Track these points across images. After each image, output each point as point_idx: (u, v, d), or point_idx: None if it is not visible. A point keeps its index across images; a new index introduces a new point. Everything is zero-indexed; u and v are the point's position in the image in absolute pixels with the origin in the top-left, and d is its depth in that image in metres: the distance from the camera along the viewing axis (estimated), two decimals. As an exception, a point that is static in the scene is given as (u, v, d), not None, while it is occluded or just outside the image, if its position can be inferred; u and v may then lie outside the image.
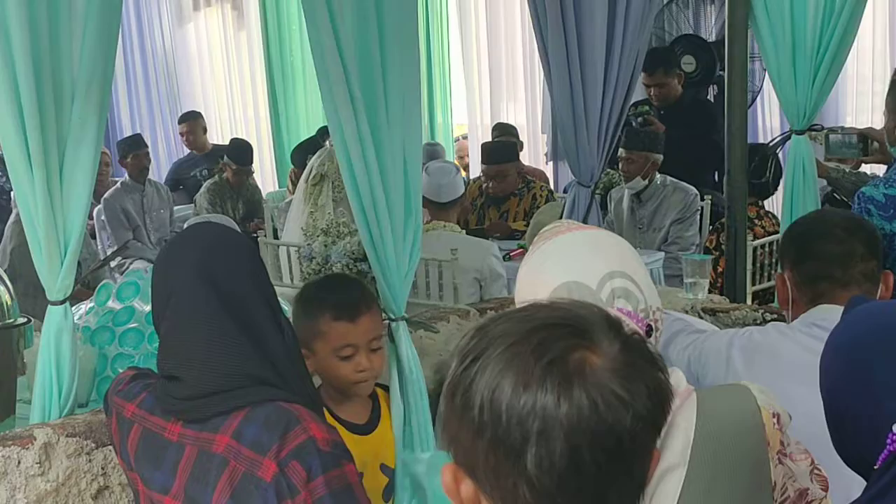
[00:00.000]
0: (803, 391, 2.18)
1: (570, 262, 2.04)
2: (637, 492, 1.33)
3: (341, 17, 3.05)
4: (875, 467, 1.69)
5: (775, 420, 1.98)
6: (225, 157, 8.90)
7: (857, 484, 1.82)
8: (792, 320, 2.90)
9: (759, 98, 8.64)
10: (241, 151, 9.00)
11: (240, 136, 10.07)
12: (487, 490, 1.30)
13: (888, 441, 1.66)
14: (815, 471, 2.06)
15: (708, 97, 8.37)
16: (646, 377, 1.28)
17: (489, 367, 1.27)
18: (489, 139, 8.80)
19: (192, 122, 9.99)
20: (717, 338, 2.89)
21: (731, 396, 2.00)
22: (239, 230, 6.00)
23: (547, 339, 1.27)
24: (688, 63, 8.31)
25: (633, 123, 7.02)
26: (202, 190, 8.85)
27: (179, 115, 10.78)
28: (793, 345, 2.75)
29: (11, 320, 3.25)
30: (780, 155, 5.71)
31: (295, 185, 7.07)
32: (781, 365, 2.69)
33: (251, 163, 9.02)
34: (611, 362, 1.26)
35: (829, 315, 2.73)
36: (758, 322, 3.88)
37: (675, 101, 7.70)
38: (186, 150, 10.43)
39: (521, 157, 8.16)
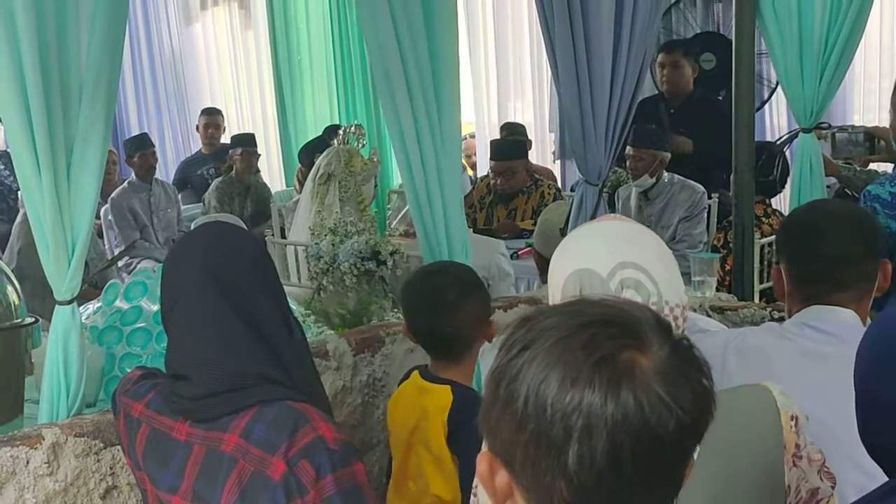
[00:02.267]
0: (794, 394, 2.17)
1: (584, 251, 2.07)
2: (672, 496, 1.32)
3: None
4: None
5: (793, 423, 1.98)
6: (230, 151, 8.94)
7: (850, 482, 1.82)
8: (789, 313, 2.88)
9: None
10: (243, 136, 9.17)
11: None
12: (523, 483, 1.29)
13: None
14: (825, 469, 2.06)
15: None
16: (692, 383, 1.27)
17: (537, 360, 1.25)
18: (496, 138, 8.81)
19: (218, 118, 10.02)
20: (714, 339, 2.86)
21: (751, 397, 2.00)
22: (246, 229, 6.03)
23: (598, 336, 1.25)
24: (707, 60, 8.27)
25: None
26: (211, 188, 8.86)
27: (189, 112, 10.81)
28: (785, 348, 2.72)
29: (19, 320, 3.25)
30: (788, 153, 5.71)
31: (302, 184, 7.06)
32: (773, 368, 2.66)
33: (256, 145, 9.09)
34: (659, 365, 1.24)
35: (821, 316, 2.72)
36: (766, 320, 3.87)
37: (686, 97, 7.61)
38: (194, 150, 10.43)
39: (528, 156, 8.16)
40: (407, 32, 3.39)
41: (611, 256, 2.02)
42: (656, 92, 7.91)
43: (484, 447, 1.35)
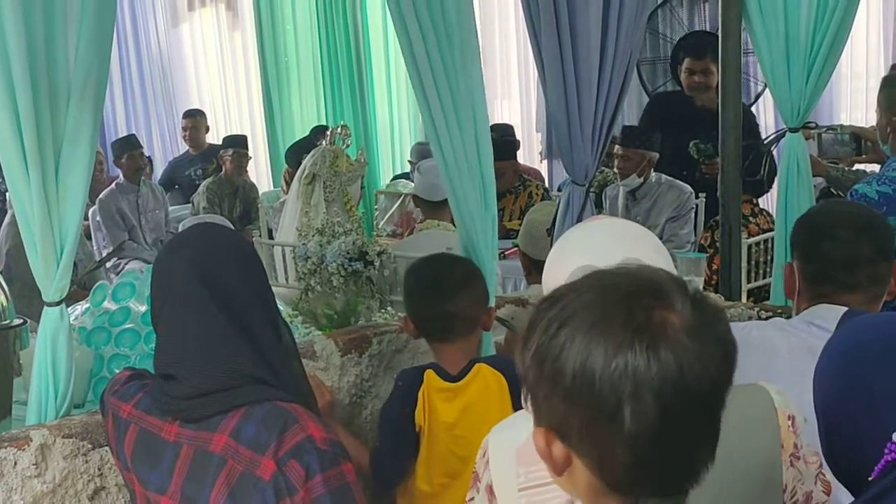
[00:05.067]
0: (794, 390, 2.17)
1: (588, 246, 2.08)
2: (716, 439, 1.40)
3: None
4: (870, 478, 1.66)
5: (790, 423, 1.99)
6: (221, 152, 8.96)
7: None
8: (797, 310, 2.89)
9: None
10: (235, 137, 9.23)
11: (233, 136, 10.16)
12: (582, 453, 1.37)
13: (886, 451, 1.64)
14: (820, 474, 2.06)
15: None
16: (717, 332, 1.37)
17: (578, 336, 1.32)
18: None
19: (197, 119, 10.05)
20: None
21: (748, 397, 2.01)
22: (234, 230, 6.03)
23: (633, 307, 1.33)
24: None
25: (696, 156, 6.74)
26: (200, 189, 8.87)
27: (176, 112, 10.86)
28: (789, 343, 2.73)
29: (7, 321, 3.25)
30: (775, 152, 5.72)
31: (289, 184, 7.08)
32: (775, 363, 2.67)
33: (247, 146, 9.14)
34: (686, 321, 1.33)
35: (828, 315, 2.72)
36: (752, 320, 3.87)
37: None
38: (182, 150, 10.44)
39: (517, 157, 8.16)
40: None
41: (616, 251, 2.03)
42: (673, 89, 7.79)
43: (534, 423, 1.41)
